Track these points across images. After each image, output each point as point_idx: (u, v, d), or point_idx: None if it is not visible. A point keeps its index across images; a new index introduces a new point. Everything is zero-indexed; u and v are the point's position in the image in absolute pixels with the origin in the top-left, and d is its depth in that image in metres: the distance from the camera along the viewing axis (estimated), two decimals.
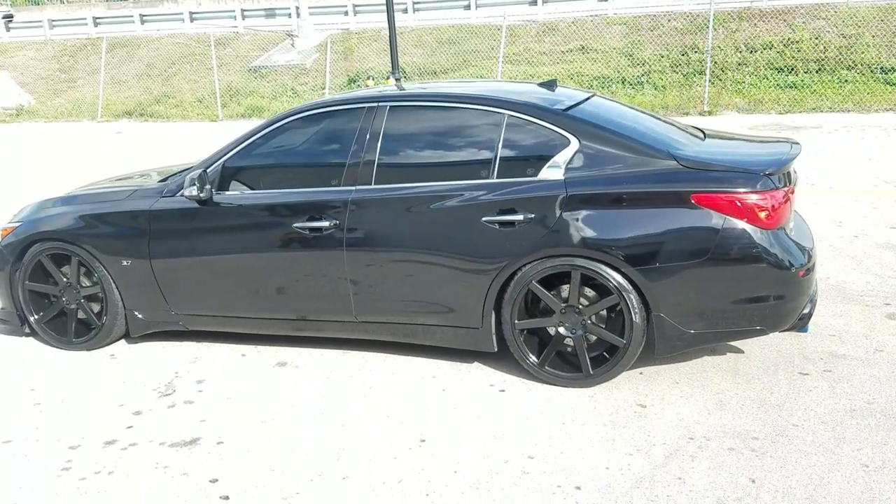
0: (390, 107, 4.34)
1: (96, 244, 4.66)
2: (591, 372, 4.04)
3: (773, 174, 3.85)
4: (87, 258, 4.70)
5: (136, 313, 4.76)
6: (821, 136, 10.86)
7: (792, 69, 14.73)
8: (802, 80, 14.32)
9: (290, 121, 4.49)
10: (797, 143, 4.34)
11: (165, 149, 13.04)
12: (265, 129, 4.50)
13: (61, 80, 23.46)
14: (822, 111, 12.84)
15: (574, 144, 4.01)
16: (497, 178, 4.07)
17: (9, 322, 5.03)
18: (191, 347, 4.84)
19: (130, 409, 4.09)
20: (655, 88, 15.94)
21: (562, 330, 4.07)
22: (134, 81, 21.69)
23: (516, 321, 4.10)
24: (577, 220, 3.89)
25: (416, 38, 19.53)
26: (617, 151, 3.96)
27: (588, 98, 4.61)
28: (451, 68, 18.68)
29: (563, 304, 4.03)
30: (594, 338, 4.08)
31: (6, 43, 24.88)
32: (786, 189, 3.90)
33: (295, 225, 4.27)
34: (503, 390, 4.10)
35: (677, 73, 16.29)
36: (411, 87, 4.78)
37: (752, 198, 3.75)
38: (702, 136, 4.57)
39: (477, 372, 4.31)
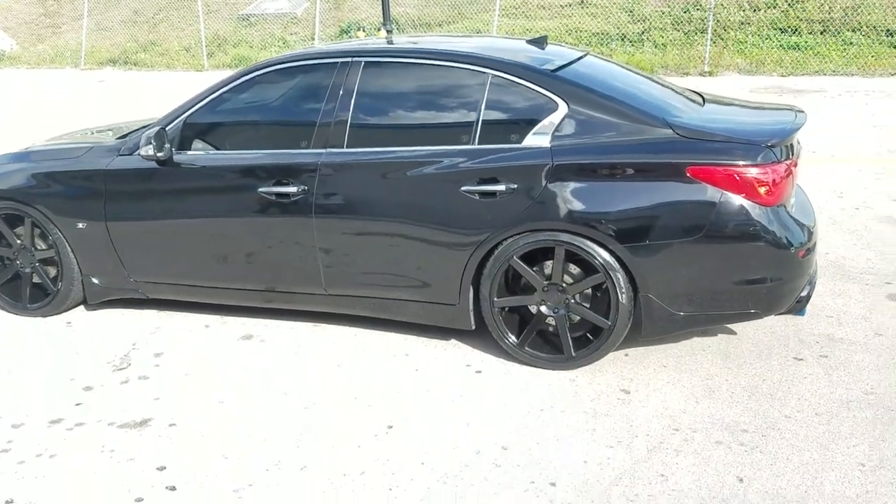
0: (365, 62, 4.01)
1: (50, 205, 4.36)
2: (574, 354, 3.78)
3: (776, 146, 3.55)
4: (40, 219, 4.40)
5: (93, 279, 4.48)
6: (824, 100, 10.52)
7: (796, 30, 14.28)
8: (806, 42, 13.89)
9: (258, 75, 4.16)
10: (802, 112, 4.04)
11: (149, 99, 12.62)
12: (230, 83, 4.17)
13: (45, 25, 22.83)
14: (825, 74, 12.45)
15: (562, 109, 3.70)
16: (478, 144, 3.76)
17: None
18: (152, 316, 4.57)
19: (81, 383, 3.83)
20: (656, 46, 15.49)
21: (543, 309, 3.80)
22: (120, 28, 21.08)
23: (495, 298, 3.83)
24: (563, 191, 3.60)
25: None
26: (608, 118, 3.65)
27: (580, 57, 4.29)
28: (445, 21, 18.16)
29: (546, 282, 3.76)
30: (577, 318, 3.81)
31: None
32: (788, 162, 3.61)
33: (261, 189, 3.97)
34: (480, 371, 3.85)
35: (679, 30, 15.82)
36: (391, 40, 4.44)
37: (752, 171, 3.46)
38: (701, 101, 4.26)
39: (454, 351, 4.05)
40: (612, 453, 3.17)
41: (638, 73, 4.55)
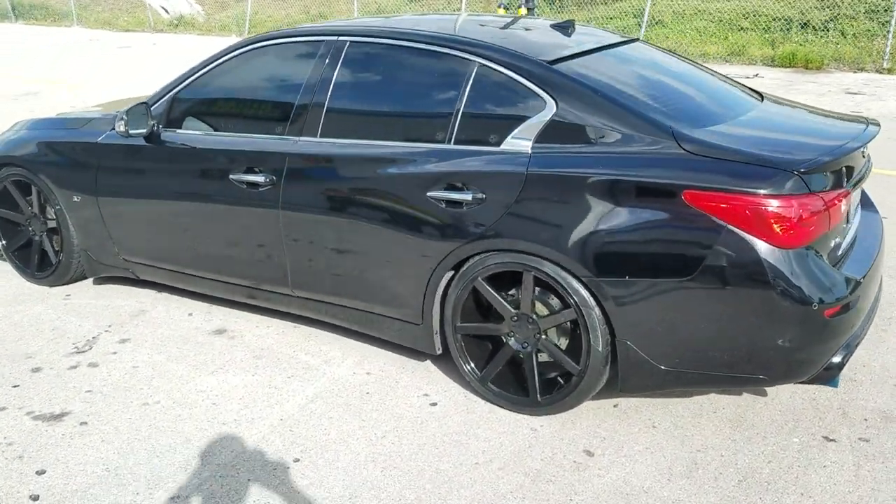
0: (350, 43, 3.58)
1: (50, 175, 4.27)
2: (539, 399, 3.20)
3: (812, 172, 2.79)
4: (45, 189, 4.33)
5: (90, 254, 4.37)
6: None
7: None
8: None
9: (245, 52, 3.82)
10: (875, 124, 3.22)
11: None
12: (217, 60, 3.87)
13: None
14: None
15: (550, 108, 3.10)
16: (454, 143, 3.24)
17: None
18: (146, 298, 4.41)
19: (34, 364, 3.71)
20: (843, 35, 13.84)
21: (511, 342, 3.25)
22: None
23: (458, 323, 3.31)
24: (535, 207, 3.02)
25: None
26: (603, 122, 3.01)
27: (612, 46, 3.66)
28: None
29: (515, 311, 3.20)
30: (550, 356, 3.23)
31: None
32: (831, 194, 2.83)
33: (231, 176, 3.66)
34: (434, 404, 3.35)
35: (873, 20, 14.04)
36: (378, 20, 3.95)
37: (770, 204, 2.72)
38: (754, 103, 3.52)
39: (420, 375, 3.57)
40: None
41: (697, 68, 3.83)
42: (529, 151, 3.07)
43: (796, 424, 3.18)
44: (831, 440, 3.07)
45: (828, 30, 14.27)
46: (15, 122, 4.74)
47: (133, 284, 4.54)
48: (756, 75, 11.54)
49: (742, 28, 15.21)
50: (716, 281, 2.79)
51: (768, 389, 3.40)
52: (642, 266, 2.87)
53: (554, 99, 3.10)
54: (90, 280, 4.62)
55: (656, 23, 16.18)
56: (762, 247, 2.73)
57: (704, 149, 2.86)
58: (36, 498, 2.78)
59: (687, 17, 16.10)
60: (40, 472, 2.92)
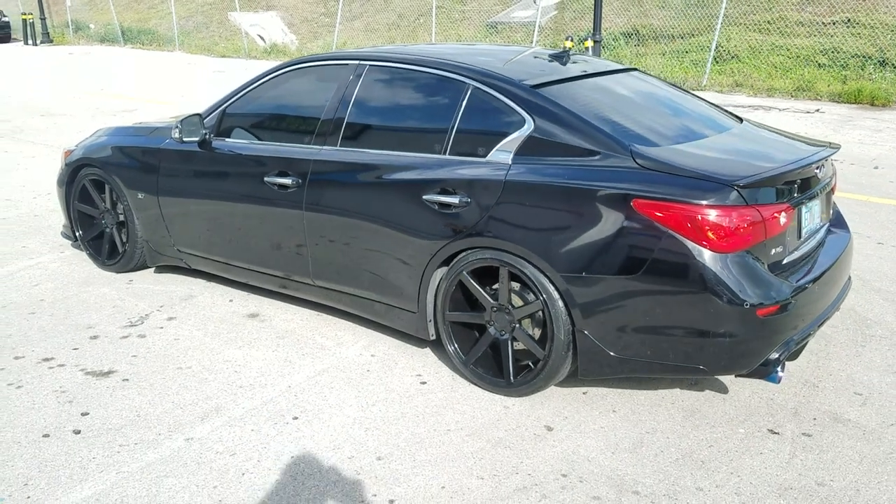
0: (369, 66, 4.13)
1: (121, 175, 4.95)
2: (512, 381, 3.63)
3: (751, 186, 3.16)
4: (116, 188, 5.01)
5: (150, 245, 5.02)
6: None
7: None
8: None
9: (285, 73, 4.42)
10: (833, 148, 3.58)
11: None
12: (262, 79, 4.48)
13: (323, 24, 25.14)
14: None
15: (528, 127, 3.56)
16: (448, 154, 3.73)
17: (69, 237, 5.53)
18: (195, 285, 5.03)
19: (92, 332, 4.34)
20: None
21: (491, 330, 3.69)
22: (384, 30, 22.71)
23: (447, 312, 3.77)
24: (510, 211, 3.47)
25: None
26: (570, 139, 3.45)
27: (604, 74, 4.08)
28: (688, 33, 17.43)
29: (495, 303, 3.64)
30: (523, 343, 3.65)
31: None
32: (769, 207, 3.19)
33: (266, 178, 4.24)
34: (425, 382, 3.81)
35: None
36: (398, 47, 4.48)
37: (706, 213, 3.10)
38: (727, 126, 3.92)
39: (417, 358, 4.04)
40: (476, 485, 3.02)
41: (686, 96, 4.23)
42: (509, 162, 3.53)
43: (746, 418, 3.49)
44: (775, 433, 3.38)
45: None
46: (97, 129, 5.47)
47: (187, 273, 5.17)
48: (817, 110, 11.61)
49: (820, 65, 15.20)
50: (658, 279, 3.18)
51: (729, 386, 3.72)
52: (597, 264, 3.27)
53: (532, 117, 3.55)
54: (151, 268, 5.28)
55: (732, 57, 16.31)
56: (698, 250, 3.11)
57: (656, 164, 3.27)
58: (78, 432, 3.37)
59: (763, 53, 16.17)
60: (84, 414, 3.52)
